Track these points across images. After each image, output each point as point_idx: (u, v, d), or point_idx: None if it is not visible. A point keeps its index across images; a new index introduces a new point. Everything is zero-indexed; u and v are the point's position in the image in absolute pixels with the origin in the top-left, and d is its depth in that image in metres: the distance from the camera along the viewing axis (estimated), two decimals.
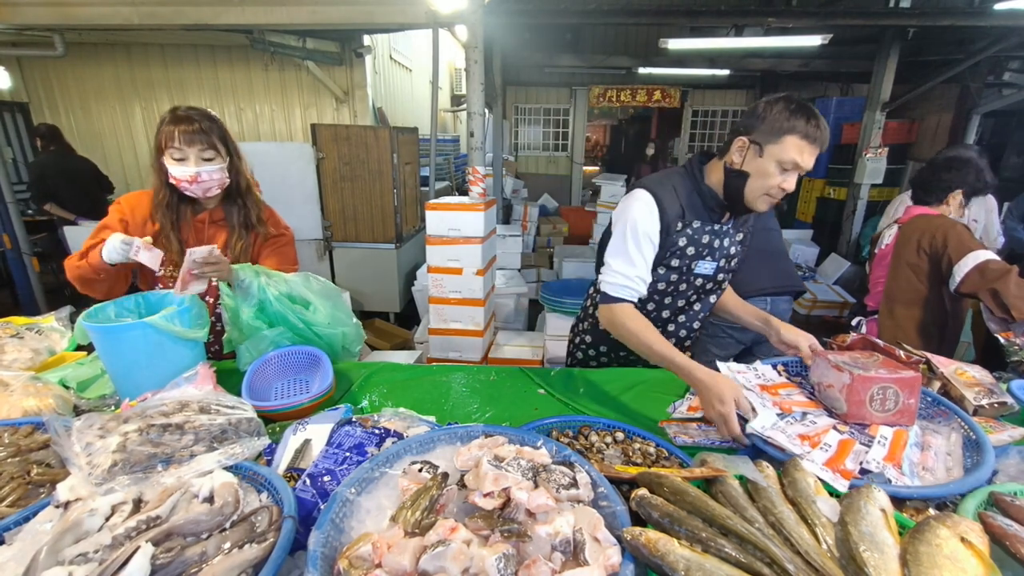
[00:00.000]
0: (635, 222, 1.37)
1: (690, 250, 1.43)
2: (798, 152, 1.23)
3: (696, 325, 1.62)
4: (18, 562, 0.68)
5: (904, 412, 1.10)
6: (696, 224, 1.41)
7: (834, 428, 1.10)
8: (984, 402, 1.23)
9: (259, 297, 1.44)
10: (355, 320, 1.63)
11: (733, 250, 1.51)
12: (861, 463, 0.99)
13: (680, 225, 1.39)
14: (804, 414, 1.15)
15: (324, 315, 1.53)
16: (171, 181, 1.50)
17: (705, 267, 1.47)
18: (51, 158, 4.62)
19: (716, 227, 1.44)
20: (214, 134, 1.50)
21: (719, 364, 1.28)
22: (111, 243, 1.42)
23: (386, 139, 4.07)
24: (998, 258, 1.78)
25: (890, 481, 0.95)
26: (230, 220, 1.63)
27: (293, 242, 1.77)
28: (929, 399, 1.20)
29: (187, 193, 1.53)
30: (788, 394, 1.23)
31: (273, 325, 1.48)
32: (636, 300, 1.41)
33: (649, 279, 1.42)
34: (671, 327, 1.60)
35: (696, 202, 1.41)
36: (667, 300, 1.54)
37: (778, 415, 1.13)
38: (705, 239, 1.43)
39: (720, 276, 1.53)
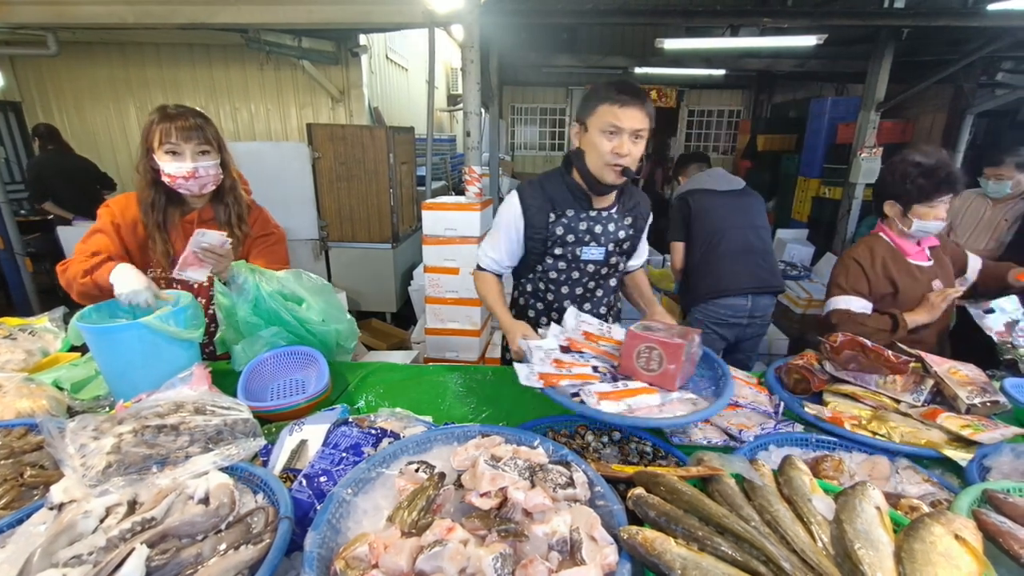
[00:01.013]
0: (500, 216, 1.62)
1: (570, 237, 1.57)
2: (612, 116, 1.38)
3: (603, 311, 1.72)
4: (12, 564, 0.68)
5: (665, 376, 1.16)
6: (571, 213, 1.57)
7: (594, 369, 1.21)
8: (977, 400, 1.23)
9: (253, 294, 1.43)
10: (349, 316, 1.63)
11: (622, 234, 1.63)
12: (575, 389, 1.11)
13: (553, 216, 1.57)
14: (591, 358, 1.27)
15: (317, 312, 1.52)
16: (164, 179, 1.48)
17: (593, 253, 1.60)
18: (49, 157, 4.58)
19: (593, 214, 1.58)
20: (208, 130, 1.49)
21: (569, 309, 1.48)
22: (131, 284, 1.34)
23: (382, 139, 4.06)
24: (845, 307, 1.72)
25: (578, 397, 1.10)
26: (219, 219, 1.62)
27: (284, 241, 1.76)
28: (718, 370, 1.26)
29: (181, 191, 1.51)
30: (599, 344, 1.34)
31: (268, 323, 1.47)
32: (499, 273, 1.67)
33: (507, 260, 1.66)
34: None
35: (565, 194, 1.58)
36: (564, 289, 1.66)
37: (561, 346, 1.29)
38: (583, 226, 1.57)
39: (614, 259, 1.64)
